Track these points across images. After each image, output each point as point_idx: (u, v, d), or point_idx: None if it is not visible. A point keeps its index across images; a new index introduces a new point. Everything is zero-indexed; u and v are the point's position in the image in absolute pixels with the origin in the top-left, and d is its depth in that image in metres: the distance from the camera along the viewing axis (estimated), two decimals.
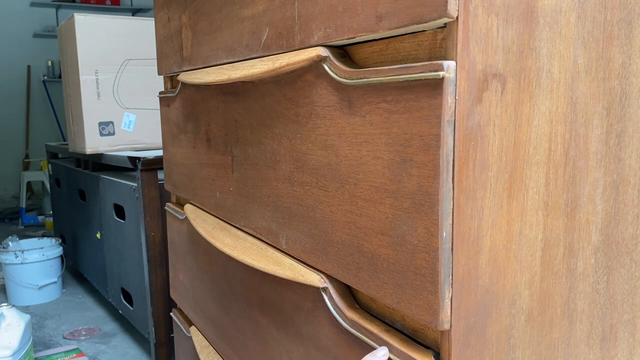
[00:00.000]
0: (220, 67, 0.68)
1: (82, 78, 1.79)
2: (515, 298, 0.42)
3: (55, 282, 2.18)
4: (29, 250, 2.10)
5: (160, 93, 0.97)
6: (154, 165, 1.47)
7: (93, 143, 1.82)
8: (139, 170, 1.46)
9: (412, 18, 0.38)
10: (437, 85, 0.37)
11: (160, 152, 1.58)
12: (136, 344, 1.74)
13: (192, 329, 0.94)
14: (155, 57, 1.90)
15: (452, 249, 0.38)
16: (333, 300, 0.51)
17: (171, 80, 0.97)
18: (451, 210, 0.38)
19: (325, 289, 0.52)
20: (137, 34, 1.85)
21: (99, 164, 1.92)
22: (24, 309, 2.07)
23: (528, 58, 0.40)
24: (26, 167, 4.15)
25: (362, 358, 0.44)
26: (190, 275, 0.92)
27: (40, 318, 1.99)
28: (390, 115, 0.41)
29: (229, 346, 0.77)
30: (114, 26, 1.82)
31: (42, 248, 2.13)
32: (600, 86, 0.45)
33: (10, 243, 2.17)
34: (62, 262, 2.23)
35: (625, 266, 0.50)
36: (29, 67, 4.38)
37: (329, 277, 0.52)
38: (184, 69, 0.83)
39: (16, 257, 2.08)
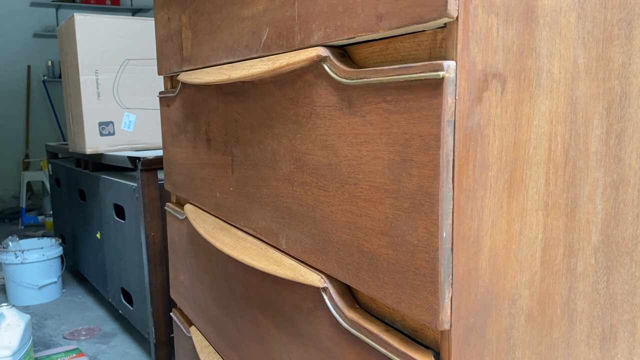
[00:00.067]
0: (220, 67, 0.68)
1: (82, 78, 1.79)
2: (515, 298, 0.42)
3: (55, 282, 2.18)
4: (29, 250, 2.10)
5: (160, 93, 0.97)
6: (154, 165, 1.47)
7: (93, 143, 1.82)
8: (139, 170, 1.46)
9: (412, 18, 0.38)
10: (437, 85, 0.37)
11: (160, 152, 1.58)
12: (136, 344, 1.74)
13: (192, 329, 0.94)
14: (155, 57, 1.90)
15: (452, 249, 0.38)
16: (333, 300, 0.51)
17: (171, 80, 0.97)
18: (451, 210, 0.38)
19: (325, 289, 0.52)
20: (137, 34, 1.85)
21: (99, 164, 1.92)
22: (24, 309, 2.07)
23: (528, 58, 0.40)
24: (26, 167, 4.16)
25: None
26: (190, 275, 0.92)
27: (40, 318, 1.99)
28: (390, 115, 0.41)
29: (229, 346, 0.77)
30: (114, 26, 1.82)
31: (42, 248, 2.13)
32: (600, 86, 0.45)
33: (10, 243, 2.17)
34: (62, 262, 2.23)
35: (625, 266, 0.50)
36: (29, 67, 4.38)
37: (329, 277, 0.52)
38: (184, 69, 0.83)
39: (16, 257, 2.08)
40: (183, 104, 0.86)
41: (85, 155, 1.88)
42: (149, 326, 1.53)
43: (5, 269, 2.11)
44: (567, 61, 0.42)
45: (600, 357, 0.50)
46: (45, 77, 4.41)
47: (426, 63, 0.37)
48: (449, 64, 0.36)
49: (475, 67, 0.37)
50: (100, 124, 1.82)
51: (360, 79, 0.44)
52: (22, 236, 3.09)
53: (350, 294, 0.51)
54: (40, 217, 3.59)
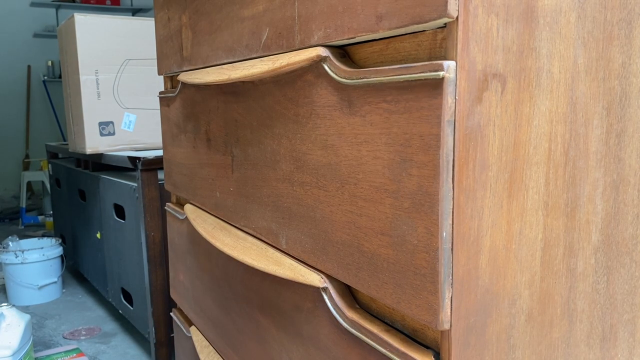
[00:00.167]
0: (220, 67, 0.68)
1: (82, 78, 1.79)
2: (515, 298, 0.42)
3: (55, 282, 2.18)
4: (29, 250, 2.10)
5: (160, 93, 0.97)
6: (154, 165, 1.47)
7: (93, 143, 1.82)
8: (139, 170, 1.46)
9: (412, 18, 0.38)
10: (437, 85, 0.37)
11: (160, 152, 1.58)
12: (136, 344, 1.74)
13: (192, 329, 0.94)
14: (155, 57, 1.90)
15: (452, 249, 0.38)
16: (333, 300, 0.51)
17: (171, 80, 0.97)
18: (451, 210, 0.38)
19: (325, 289, 0.52)
20: (137, 34, 1.85)
21: (99, 164, 1.92)
22: (24, 309, 2.07)
23: (528, 58, 0.40)
24: (26, 167, 4.16)
25: None
26: (190, 275, 0.92)
27: (40, 318, 1.99)
28: (390, 115, 0.41)
29: (229, 346, 0.77)
30: (114, 26, 1.82)
31: (42, 248, 2.13)
32: (600, 86, 0.45)
33: (10, 243, 2.17)
34: (62, 262, 2.23)
35: (625, 266, 0.50)
36: (29, 67, 4.38)
37: (329, 277, 0.52)
38: (184, 69, 0.83)
39: (16, 257, 2.08)
40: (183, 104, 0.86)
41: (85, 155, 1.88)
42: (149, 326, 1.53)
43: (6, 268, 2.11)
44: (567, 61, 0.42)
45: (600, 357, 0.50)
46: (45, 77, 4.41)
47: (426, 63, 0.37)
48: (449, 64, 0.36)
49: (475, 67, 0.37)
50: (100, 124, 1.82)
51: (360, 79, 0.44)
52: (22, 236, 3.09)
53: (350, 294, 0.51)
54: (40, 217, 3.59)
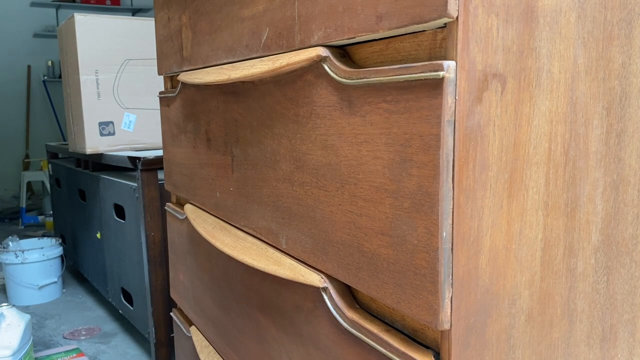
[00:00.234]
0: (220, 67, 0.69)
1: (82, 78, 1.79)
2: (515, 298, 0.42)
3: (55, 282, 2.18)
4: (29, 250, 2.10)
5: (160, 93, 0.97)
6: (154, 165, 1.47)
7: (93, 143, 1.82)
8: (139, 170, 1.46)
9: (412, 18, 0.38)
10: (437, 85, 0.37)
11: (160, 152, 1.58)
12: (136, 344, 1.74)
13: (192, 328, 0.94)
14: (155, 57, 1.90)
15: (452, 249, 0.38)
16: (333, 300, 0.51)
17: (171, 80, 0.97)
18: (451, 210, 0.38)
19: (325, 289, 0.52)
20: (137, 34, 1.85)
21: (99, 164, 1.92)
22: (24, 309, 2.07)
23: (528, 58, 0.40)
24: (26, 167, 4.16)
25: None
26: (190, 275, 0.92)
27: (40, 318, 1.99)
28: (390, 115, 0.41)
29: (229, 346, 0.77)
30: (114, 26, 1.82)
31: (42, 248, 2.13)
32: (600, 86, 0.45)
33: (10, 243, 2.17)
34: (62, 262, 2.23)
35: (625, 266, 0.50)
36: (29, 67, 4.38)
37: (329, 277, 0.52)
38: (184, 69, 0.83)
39: (16, 257, 2.08)
40: (183, 104, 0.86)
41: (85, 155, 1.88)
42: (149, 326, 1.53)
43: (6, 268, 2.11)
44: (567, 61, 0.42)
45: (600, 357, 0.50)
46: (45, 77, 4.41)
47: (426, 63, 0.37)
48: (449, 64, 0.36)
49: (475, 67, 0.37)
50: (100, 124, 1.82)
51: (360, 79, 0.44)
52: (22, 236, 3.09)
53: (350, 294, 0.51)
54: (40, 217, 3.59)
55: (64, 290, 2.27)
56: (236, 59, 0.65)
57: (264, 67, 0.56)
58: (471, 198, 0.39)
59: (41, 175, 3.59)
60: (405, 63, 0.40)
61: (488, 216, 0.40)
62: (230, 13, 0.66)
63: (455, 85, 0.37)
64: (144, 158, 1.45)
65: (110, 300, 1.89)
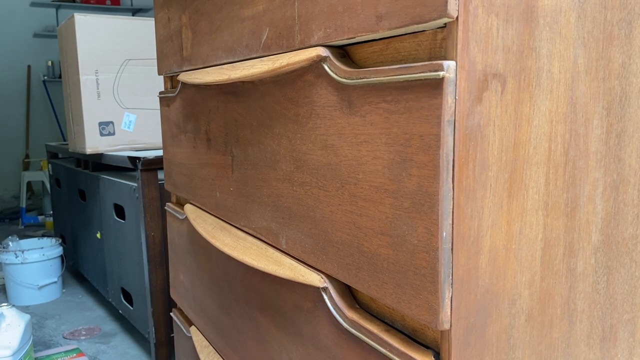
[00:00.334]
0: (220, 67, 0.69)
1: (82, 78, 1.79)
2: (515, 298, 0.42)
3: (55, 282, 2.18)
4: (29, 250, 2.10)
5: (160, 93, 0.97)
6: (154, 165, 1.47)
7: (93, 143, 1.82)
8: (139, 170, 1.46)
9: (412, 18, 0.38)
10: (437, 85, 0.37)
11: (160, 152, 1.58)
12: (136, 344, 1.74)
13: (192, 329, 0.94)
14: (155, 57, 1.90)
15: (452, 249, 0.38)
16: (333, 300, 0.51)
17: (171, 80, 0.97)
18: (451, 210, 0.38)
19: (325, 289, 0.52)
20: (137, 34, 1.85)
21: (99, 164, 1.92)
22: (24, 309, 2.07)
23: (528, 58, 0.40)
24: (26, 167, 4.16)
25: None
26: (190, 275, 0.92)
27: (40, 318, 1.99)
28: (390, 115, 0.41)
29: (229, 346, 0.77)
30: (114, 26, 1.82)
31: (42, 248, 2.13)
32: (600, 86, 0.45)
33: (10, 243, 2.17)
34: (62, 262, 2.23)
35: (625, 266, 0.50)
36: (29, 67, 4.38)
37: (329, 277, 0.52)
38: (184, 69, 0.83)
39: (16, 257, 2.08)
40: (183, 104, 0.86)
41: (85, 155, 1.88)
42: (149, 326, 1.53)
43: (6, 268, 2.11)
44: (567, 61, 0.42)
45: (600, 357, 0.50)
46: (45, 77, 4.41)
47: (426, 63, 0.37)
48: (449, 64, 0.36)
49: (475, 67, 0.37)
50: (100, 124, 1.82)
51: (360, 79, 0.44)
52: (22, 236, 3.09)
53: (350, 294, 0.51)
54: (40, 217, 3.59)
55: (64, 290, 2.27)
56: (236, 59, 0.65)
57: (264, 67, 0.56)
58: (471, 198, 0.39)
59: (41, 175, 3.59)
60: (405, 63, 0.40)
61: (488, 216, 0.40)
62: (230, 13, 0.66)
63: (455, 85, 0.37)
64: (144, 158, 1.45)
65: (110, 300, 1.89)
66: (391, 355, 0.43)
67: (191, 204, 0.90)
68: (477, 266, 0.40)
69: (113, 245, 1.77)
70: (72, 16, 1.78)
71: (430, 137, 0.38)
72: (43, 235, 3.07)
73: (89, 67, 1.79)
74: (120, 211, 1.69)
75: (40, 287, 2.13)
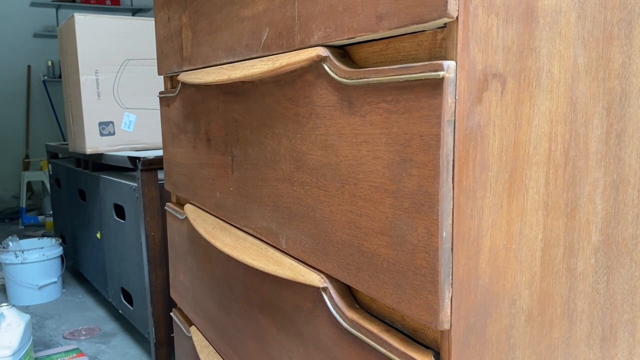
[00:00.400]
0: (220, 67, 0.69)
1: (82, 78, 1.79)
2: (515, 298, 0.42)
3: (55, 282, 2.18)
4: (29, 250, 2.10)
5: (160, 93, 0.97)
6: (154, 165, 1.47)
7: (93, 143, 1.82)
8: (139, 170, 1.46)
9: (412, 18, 0.38)
10: (437, 85, 0.37)
11: (160, 152, 1.58)
12: (136, 344, 1.74)
13: (192, 329, 0.94)
14: (155, 57, 1.90)
15: (452, 249, 0.38)
16: (333, 300, 0.51)
17: (171, 80, 0.97)
18: (451, 210, 0.38)
19: (325, 289, 0.52)
20: (137, 34, 1.85)
21: (99, 164, 1.92)
22: (24, 309, 2.07)
23: (528, 58, 0.40)
24: (26, 167, 4.16)
25: None
26: (190, 275, 0.92)
27: (40, 318, 1.99)
28: (390, 115, 0.41)
29: (229, 346, 0.77)
30: (114, 26, 1.82)
31: (42, 248, 2.13)
32: (600, 86, 0.45)
33: (10, 243, 2.17)
34: (62, 262, 2.23)
35: (625, 266, 0.50)
36: (29, 67, 4.38)
37: (329, 277, 0.52)
38: (184, 69, 0.83)
39: (16, 257, 2.08)
40: (183, 104, 0.86)
41: (85, 155, 1.88)
42: (149, 326, 1.53)
43: (6, 268, 2.11)
44: (567, 61, 0.42)
45: (600, 357, 0.50)
46: (45, 77, 4.41)
47: (426, 63, 0.37)
48: (449, 64, 0.36)
49: (475, 67, 0.37)
50: (100, 124, 1.82)
51: (360, 79, 0.44)
52: (22, 236, 3.09)
53: (350, 294, 0.51)
54: (40, 217, 3.59)
55: (64, 290, 2.27)
56: (236, 59, 0.65)
57: (264, 67, 0.56)
58: (471, 198, 0.39)
59: (41, 175, 3.59)
60: (405, 63, 0.40)
61: (488, 216, 0.40)
62: (230, 13, 0.66)
63: (455, 85, 0.37)
64: (144, 158, 1.45)
65: (110, 300, 1.89)
66: (391, 355, 0.43)
67: (191, 204, 0.90)
68: (477, 266, 0.40)
69: (113, 245, 1.77)
70: (72, 16, 1.78)
71: (430, 137, 0.38)
72: (43, 235, 3.07)
73: (89, 67, 1.79)
74: (120, 211, 1.69)
75: (40, 287, 2.13)
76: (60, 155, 2.56)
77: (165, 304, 1.52)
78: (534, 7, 0.40)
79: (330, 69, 0.48)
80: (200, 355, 0.86)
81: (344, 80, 0.46)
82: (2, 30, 4.27)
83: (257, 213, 0.64)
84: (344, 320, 0.49)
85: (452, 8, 0.36)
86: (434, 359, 0.40)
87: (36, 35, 4.37)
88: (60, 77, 4.30)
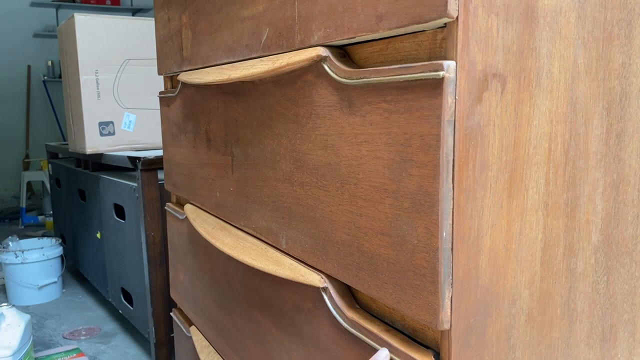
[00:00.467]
0: (220, 67, 0.69)
1: (82, 78, 1.79)
2: (515, 298, 0.42)
3: (55, 282, 2.18)
4: (29, 250, 2.10)
5: (160, 93, 0.97)
6: (154, 165, 1.47)
7: (93, 143, 1.82)
8: (139, 170, 1.46)
9: (412, 18, 0.38)
10: (437, 85, 0.37)
11: (160, 152, 1.58)
12: (136, 344, 1.74)
13: (192, 328, 0.94)
14: (155, 57, 1.90)
15: (452, 249, 0.38)
16: (333, 300, 0.51)
17: (171, 80, 0.97)
18: (451, 210, 0.38)
19: (325, 289, 0.52)
20: (137, 34, 1.85)
21: (99, 164, 1.92)
22: (24, 309, 2.07)
23: (528, 58, 0.40)
24: (26, 167, 4.16)
25: None
26: (190, 275, 0.92)
27: (40, 318, 1.99)
28: (390, 115, 0.41)
29: (229, 346, 0.77)
30: (114, 26, 1.82)
31: (42, 248, 2.13)
32: (600, 86, 0.45)
33: (10, 243, 2.17)
34: (62, 262, 2.23)
35: (625, 266, 0.50)
36: (29, 67, 4.38)
37: (329, 277, 0.52)
38: (184, 69, 0.83)
39: (16, 257, 2.08)
40: (183, 104, 0.86)
41: (85, 155, 1.88)
42: (149, 326, 1.53)
43: (6, 268, 2.11)
44: (567, 61, 0.42)
45: (600, 357, 0.50)
46: (45, 77, 4.41)
47: (426, 63, 0.37)
48: (449, 64, 0.36)
49: (475, 67, 0.37)
50: (100, 124, 1.82)
51: (360, 79, 0.44)
52: (22, 236, 3.09)
53: (350, 294, 0.51)
54: (40, 217, 3.59)
55: (64, 290, 2.27)
56: (236, 59, 0.65)
57: (264, 67, 0.56)
58: (471, 198, 0.39)
59: (41, 175, 3.59)
60: (405, 63, 0.40)
61: (488, 216, 0.40)
62: (230, 13, 0.66)
63: (455, 85, 0.37)
64: (144, 158, 1.45)
65: (110, 300, 1.89)
66: (391, 355, 0.43)
67: (191, 204, 0.90)
68: (477, 266, 0.40)
69: (113, 245, 1.77)
70: (72, 16, 1.78)
71: (430, 137, 0.38)
72: (43, 235, 3.07)
73: (89, 67, 1.79)
74: (120, 211, 1.69)
75: (40, 287, 2.13)
76: (60, 155, 2.56)
77: (165, 304, 1.52)
78: (534, 7, 0.40)
79: (330, 69, 0.48)
80: (200, 355, 0.86)
81: (344, 80, 0.46)
82: (2, 30, 4.27)
83: (257, 213, 0.64)
84: (344, 320, 0.49)
85: (452, 8, 0.36)
86: (434, 359, 0.40)
87: (36, 35, 4.37)
88: (60, 77, 4.29)
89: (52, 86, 4.47)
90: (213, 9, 0.71)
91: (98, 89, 1.81)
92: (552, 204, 0.43)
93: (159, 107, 1.61)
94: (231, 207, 0.72)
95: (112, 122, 1.84)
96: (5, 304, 1.44)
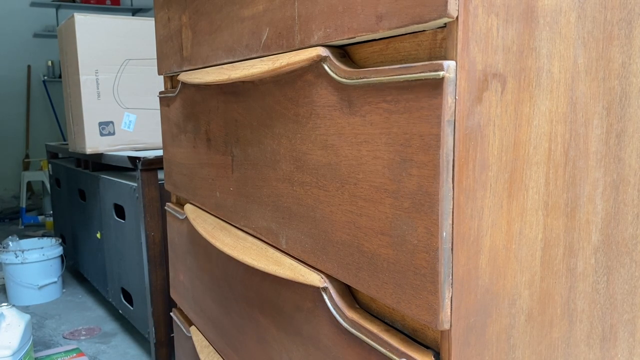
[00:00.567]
0: (220, 67, 0.69)
1: (82, 78, 1.79)
2: (515, 298, 0.42)
3: (55, 282, 2.18)
4: (29, 250, 2.10)
5: (160, 93, 0.97)
6: (154, 165, 1.47)
7: (93, 143, 1.82)
8: (139, 170, 1.46)
9: (412, 18, 0.38)
10: (437, 85, 0.37)
11: (160, 152, 1.58)
12: (136, 344, 1.74)
13: (192, 328, 0.94)
14: (155, 57, 1.90)
15: (452, 249, 0.38)
16: (333, 300, 0.51)
17: (171, 80, 0.97)
18: (451, 210, 0.38)
19: (325, 289, 0.52)
20: (137, 34, 1.85)
21: (99, 164, 1.92)
22: (24, 309, 2.07)
23: (528, 58, 0.40)
24: (26, 167, 4.16)
25: None
26: (190, 275, 0.92)
27: (40, 318, 1.99)
28: (390, 115, 0.41)
29: (229, 346, 0.77)
30: (114, 26, 1.82)
31: (42, 248, 2.13)
32: (600, 86, 0.45)
33: (10, 243, 2.17)
34: (62, 262, 2.23)
35: (625, 266, 0.50)
36: (29, 67, 4.38)
37: (329, 277, 0.52)
38: (184, 69, 0.83)
39: (16, 257, 2.08)
40: (183, 103, 0.86)
41: (85, 155, 1.88)
42: (149, 326, 1.53)
43: (6, 268, 2.11)
44: (567, 61, 0.42)
45: (600, 357, 0.50)
46: (45, 77, 4.41)
47: (426, 63, 0.37)
48: (449, 64, 0.36)
49: (475, 67, 0.37)
50: (100, 124, 1.82)
51: (360, 79, 0.44)
52: (22, 236, 3.09)
53: (350, 294, 0.51)
54: (40, 217, 3.59)
55: (64, 290, 2.27)
56: (236, 59, 0.65)
57: (264, 67, 0.56)
58: (471, 198, 0.39)
59: (41, 175, 3.59)
60: (405, 63, 0.40)
61: (488, 216, 0.40)
62: (230, 13, 0.66)
63: (455, 85, 0.37)
64: (144, 158, 1.45)
65: (110, 300, 1.89)
66: (391, 355, 0.43)
67: (191, 204, 0.90)
68: (477, 266, 0.40)
69: (113, 245, 1.77)
70: (72, 16, 1.78)
71: (430, 137, 0.38)
72: (43, 235, 3.07)
73: (89, 67, 1.79)
74: (120, 211, 1.69)
75: (40, 287, 2.13)
76: (60, 155, 2.56)
77: (165, 304, 1.52)
78: (534, 7, 0.40)
79: (330, 69, 0.48)
80: (200, 355, 0.86)
81: (344, 80, 0.46)
82: (2, 30, 4.27)
83: (257, 213, 0.64)
84: (344, 320, 0.49)
85: (452, 8, 0.36)
86: (434, 359, 0.40)
87: (36, 35, 4.37)
88: (60, 77, 4.30)
89: (52, 86, 4.47)
90: (213, 9, 0.71)
91: (98, 89, 1.81)
92: (552, 204, 0.43)
93: (159, 107, 1.61)
94: (231, 207, 0.72)
95: (112, 122, 1.84)
96: (5, 304, 1.44)
